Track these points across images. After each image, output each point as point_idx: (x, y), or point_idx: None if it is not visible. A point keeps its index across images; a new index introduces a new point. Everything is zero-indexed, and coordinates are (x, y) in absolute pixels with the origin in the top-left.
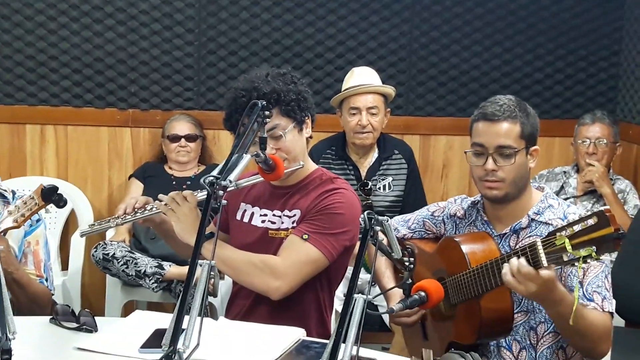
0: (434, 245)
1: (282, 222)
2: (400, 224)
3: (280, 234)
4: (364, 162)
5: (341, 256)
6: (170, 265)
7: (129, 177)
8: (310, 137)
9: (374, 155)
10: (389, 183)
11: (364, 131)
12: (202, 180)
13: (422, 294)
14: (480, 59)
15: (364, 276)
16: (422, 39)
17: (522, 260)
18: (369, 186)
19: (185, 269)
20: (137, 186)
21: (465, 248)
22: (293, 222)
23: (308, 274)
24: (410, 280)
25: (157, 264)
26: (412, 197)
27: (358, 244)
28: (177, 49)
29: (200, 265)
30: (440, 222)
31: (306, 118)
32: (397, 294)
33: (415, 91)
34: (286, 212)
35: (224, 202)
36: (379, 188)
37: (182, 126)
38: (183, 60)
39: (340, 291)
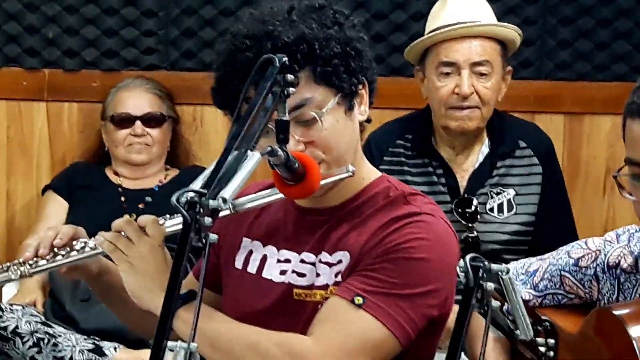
0: (580, 320)
1: (318, 274)
2: (521, 279)
3: (314, 296)
4: (465, 163)
5: (424, 336)
6: (117, 349)
7: (44, 190)
8: (368, 120)
9: (483, 149)
10: (509, 200)
11: (466, 105)
12: (173, 199)
13: None
14: None
15: None
16: None
17: None
18: (474, 207)
19: (142, 356)
20: (58, 206)
21: (636, 331)
22: (337, 275)
23: None
24: None
25: (92, 346)
26: (550, 226)
27: (453, 313)
28: None
29: (172, 350)
30: (591, 278)
31: (360, 87)
32: None
33: (557, 35)
34: (324, 255)
35: (213, 237)
36: (492, 210)
37: (136, 99)
38: None
39: None
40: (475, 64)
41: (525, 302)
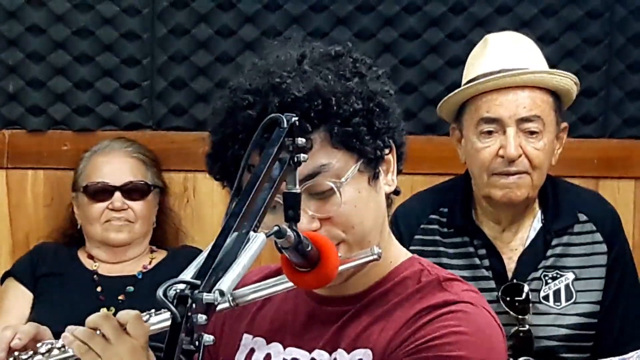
0: None
1: None
2: None
3: None
4: (513, 241)
5: None
6: None
7: (2, 278)
8: (397, 192)
9: (534, 224)
10: (567, 286)
11: (513, 170)
12: (160, 293)
13: None
14: None
15: None
16: None
17: None
18: (525, 294)
19: None
20: (20, 297)
21: None
22: None
23: None
24: None
25: None
26: (619, 318)
27: None
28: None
29: None
30: None
31: (387, 152)
32: None
33: (625, 84)
34: (341, 354)
35: (208, 339)
36: (547, 298)
37: (115, 165)
38: (123, 25)
39: None
40: (523, 120)
41: None
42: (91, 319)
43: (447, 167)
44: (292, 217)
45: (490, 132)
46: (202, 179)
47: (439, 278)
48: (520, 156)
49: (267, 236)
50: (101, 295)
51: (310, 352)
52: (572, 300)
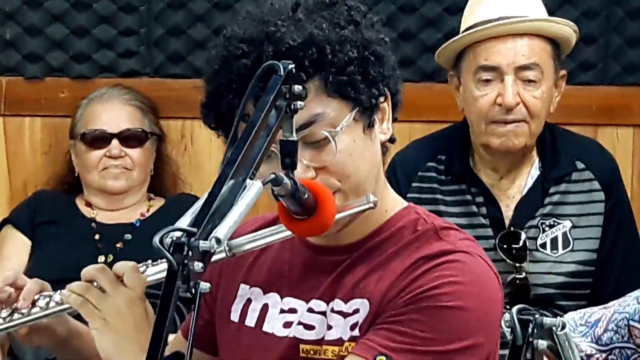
0: None
1: (329, 327)
2: (580, 330)
3: (325, 353)
4: (510, 189)
5: None
6: None
7: (1, 224)
8: (392, 139)
9: (532, 172)
10: (564, 234)
11: (511, 118)
12: (156, 240)
13: None
14: None
15: None
16: None
17: None
18: (522, 242)
19: None
20: (19, 244)
21: None
22: (353, 327)
23: None
24: None
25: None
26: (615, 266)
27: None
28: None
29: None
30: None
31: (382, 100)
32: None
33: (625, 31)
34: (337, 303)
35: (204, 286)
36: (544, 246)
37: (113, 113)
38: None
39: None
40: (522, 68)
41: (588, 357)
42: (87, 271)
43: (446, 115)
44: (289, 165)
45: (488, 80)
46: (200, 127)
47: (435, 227)
48: (518, 104)
49: (264, 184)
50: (99, 243)
51: (307, 302)
52: (569, 248)
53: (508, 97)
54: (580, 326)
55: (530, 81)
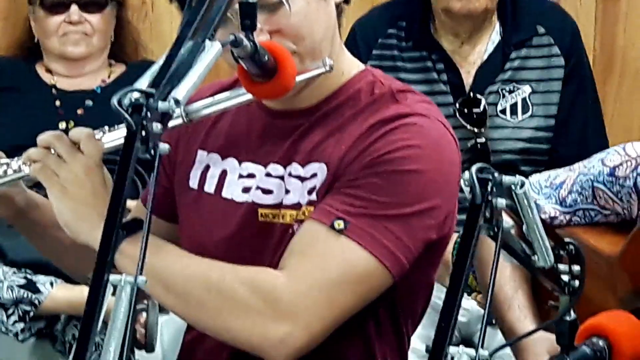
0: (619, 240)
1: (287, 191)
2: (545, 192)
3: (283, 217)
4: (471, 54)
5: (419, 265)
6: (53, 284)
7: None
8: (347, 1)
9: (493, 37)
10: (524, 99)
11: None
12: (114, 101)
13: (601, 343)
14: None
15: (470, 306)
16: None
17: None
18: (482, 108)
19: (85, 292)
20: None
21: None
22: (310, 192)
23: (349, 304)
24: (572, 315)
25: (24, 281)
26: (575, 131)
27: (454, 237)
28: None
29: (115, 286)
30: (630, 191)
31: None
32: (544, 342)
33: None
34: (295, 167)
35: (164, 147)
36: (504, 111)
37: None
38: None
39: (419, 336)
40: None
41: (550, 220)
42: (42, 137)
43: None
44: (249, 26)
45: None
46: None
47: (392, 89)
48: None
49: (223, 45)
50: (60, 110)
51: (265, 166)
52: (528, 114)
53: None
54: (544, 188)
55: None
